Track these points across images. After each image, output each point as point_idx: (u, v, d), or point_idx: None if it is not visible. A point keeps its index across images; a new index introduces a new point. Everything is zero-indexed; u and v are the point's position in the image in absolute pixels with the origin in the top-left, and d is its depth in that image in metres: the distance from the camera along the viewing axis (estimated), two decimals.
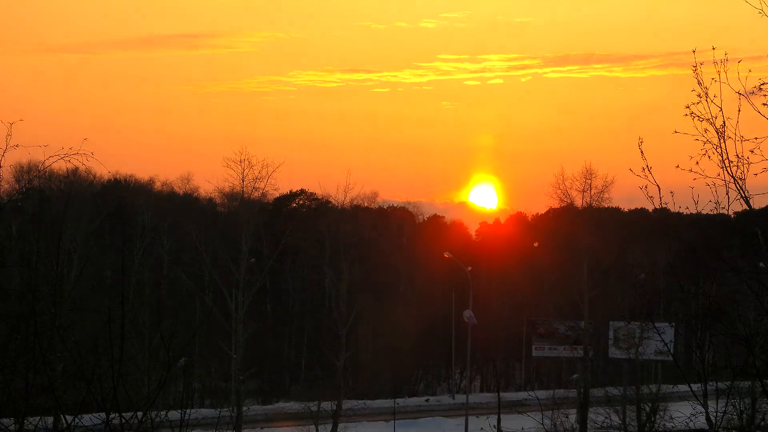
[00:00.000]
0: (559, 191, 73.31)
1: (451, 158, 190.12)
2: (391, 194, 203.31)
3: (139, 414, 11.83)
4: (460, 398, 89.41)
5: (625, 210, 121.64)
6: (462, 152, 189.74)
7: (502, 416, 60.95)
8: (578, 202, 73.09)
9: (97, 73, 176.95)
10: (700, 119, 13.08)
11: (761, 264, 14.16)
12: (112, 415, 11.67)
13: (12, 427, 12.53)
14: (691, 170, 13.11)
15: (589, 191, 72.46)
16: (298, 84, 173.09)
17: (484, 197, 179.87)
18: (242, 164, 66.00)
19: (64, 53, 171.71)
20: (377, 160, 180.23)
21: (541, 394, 71.48)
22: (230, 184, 72.42)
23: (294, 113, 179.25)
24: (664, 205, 13.47)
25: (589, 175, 72.65)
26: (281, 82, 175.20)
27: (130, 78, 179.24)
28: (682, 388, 15.18)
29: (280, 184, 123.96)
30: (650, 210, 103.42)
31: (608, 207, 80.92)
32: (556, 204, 77.90)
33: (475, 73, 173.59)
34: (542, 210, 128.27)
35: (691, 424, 19.47)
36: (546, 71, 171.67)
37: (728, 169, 13.05)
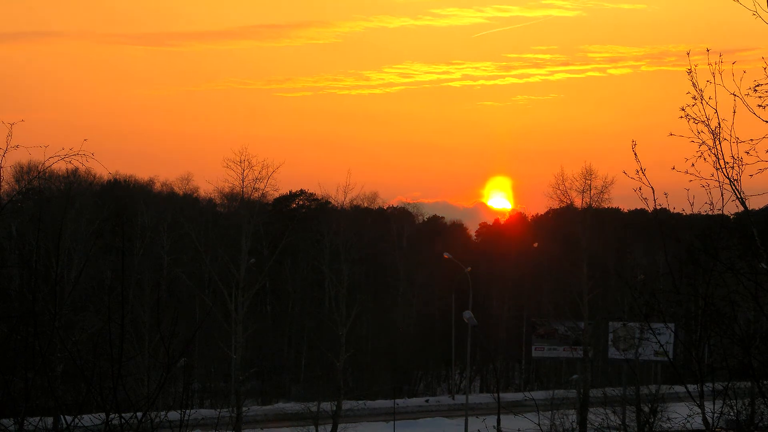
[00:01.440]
0: (558, 192, 73.39)
1: (470, 159, 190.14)
2: (410, 195, 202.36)
3: (139, 414, 11.88)
4: (460, 399, 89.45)
5: (625, 210, 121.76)
6: (480, 153, 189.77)
7: (501, 417, 60.97)
8: (578, 203, 73.17)
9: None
10: (695, 121, 13.14)
11: (762, 265, 14.21)
12: (112, 416, 11.73)
13: (12, 427, 12.58)
14: (687, 172, 13.17)
15: (588, 192, 72.53)
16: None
17: (501, 198, 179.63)
18: (242, 164, 66.09)
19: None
20: (391, 160, 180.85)
21: (541, 394, 71.63)
22: (230, 185, 72.55)
23: (309, 112, 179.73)
24: (658, 207, 13.53)
25: (588, 175, 72.73)
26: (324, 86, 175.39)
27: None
28: (679, 389, 15.25)
29: (280, 185, 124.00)
30: (649, 211, 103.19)
31: (608, 207, 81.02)
32: (556, 204, 77.97)
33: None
34: (542, 210, 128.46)
35: (687, 425, 19.52)
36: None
37: (723, 170, 13.11)
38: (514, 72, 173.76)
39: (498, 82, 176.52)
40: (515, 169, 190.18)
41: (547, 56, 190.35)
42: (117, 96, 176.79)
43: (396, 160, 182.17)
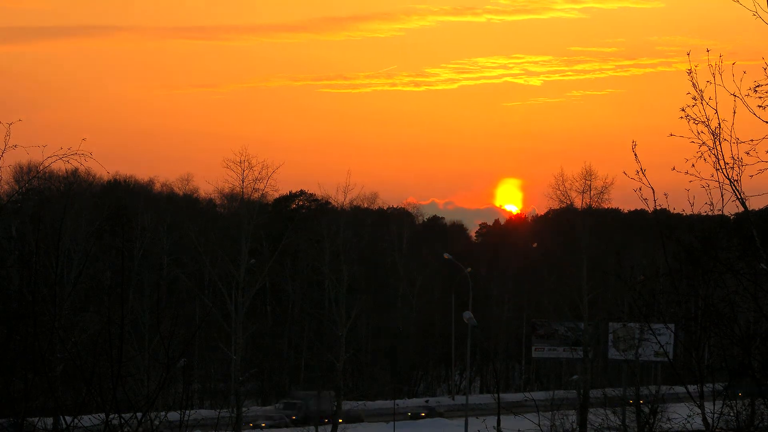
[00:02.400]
0: (558, 192, 73.40)
1: (483, 160, 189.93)
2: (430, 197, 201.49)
3: (139, 414, 11.88)
4: (460, 399, 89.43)
5: (625, 211, 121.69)
6: (493, 154, 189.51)
7: (502, 417, 60.89)
8: (578, 203, 73.17)
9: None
10: (696, 122, 13.12)
11: (762, 265, 14.20)
12: (112, 416, 11.72)
13: (12, 428, 12.58)
14: (687, 172, 13.16)
15: (588, 192, 72.53)
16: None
17: (512, 199, 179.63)
18: (242, 165, 66.10)
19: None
20: (404, 162, 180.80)
21: (541, 395, 71.55)
22: (230, 185, 72.55)
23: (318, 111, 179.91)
24: (659, 207, 13.52)
25: (588, 176, 72.74)
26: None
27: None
28: (679, 389, 15.24)
29: (281, 185, 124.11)
30: (650, 211, 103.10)
31: (608, 208, 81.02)
32: (556, 205, 78.00)
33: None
34: (542, 211, 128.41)
35: (687, 426, 19.52)
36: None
37: (723, 170, 13.09)
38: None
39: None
40: (526, 169, 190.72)
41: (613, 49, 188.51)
42: (165, 93, 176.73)
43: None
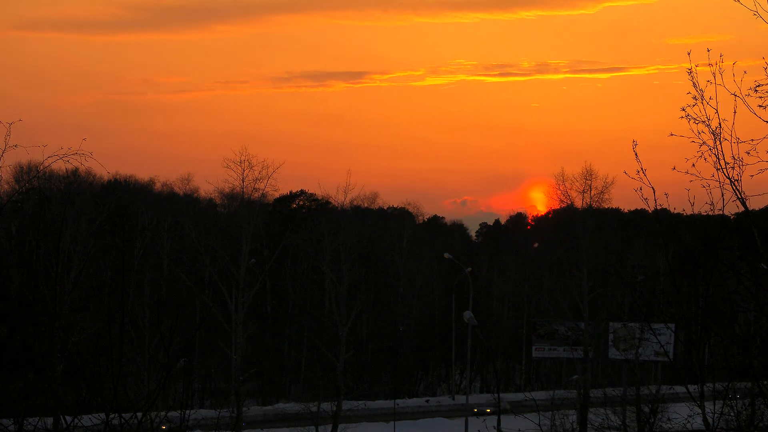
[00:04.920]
0: (559, 192, 73.40)
1: (505, 161, 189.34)
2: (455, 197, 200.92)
3: (139, 414, 11.87)
4: (460, 399, 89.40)
5: (625, 210, 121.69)
6: (515, 154, 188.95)
7: (502, 417, 60.94)
8: (578, 203, 73.16)
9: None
10: (696, 121, 13.12)
11: (762, 265, 14.20)
12: (112, 416, 11.72)
13: (12, 427, 12.57)
14: (687, 172, 13.15)
15: (589, 192, 72.53)
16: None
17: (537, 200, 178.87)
18: (242, 165, 66.10)
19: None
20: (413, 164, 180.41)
21: (541, 395, 71.57)
22: (230, 185, 72.57)
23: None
24: (659, 207, 13.52)
25: (589, 176, 72.74)
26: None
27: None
28: (680, 389, 15.21)
29: (281, 185, 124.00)
30: (650, 211, 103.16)
31: (608, 207, 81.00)
32: (556, 205, 78.01)
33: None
34: (542, 210, 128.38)
35: (688, 426, 19.50)
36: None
37: (724, 170, 13.09)
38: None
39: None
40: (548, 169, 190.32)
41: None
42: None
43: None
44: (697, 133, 13.11)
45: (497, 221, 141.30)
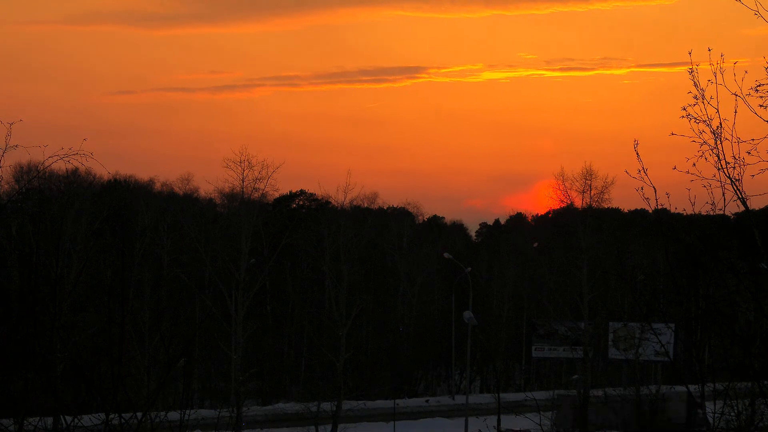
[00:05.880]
0: (559, 192, 73.40)
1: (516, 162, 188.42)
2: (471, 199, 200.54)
3: (139, 414, 11.86)
4: (460, 399, 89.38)
5: (625, 210, 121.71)
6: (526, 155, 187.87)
7: (502, 417, 60.99)
8: (578, 203, 73.16)
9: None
10: (697, 121, 13.11)
11: (763, 265, 14.20)
12: (112, 416, 11.71)
13: (12, 428, 12.56)
14: (688, 172, 13.15)
15: (589, 192, 72.54)
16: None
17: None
18: (242, 165, 66.11)
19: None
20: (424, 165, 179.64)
21: (542, 394, 71.58)
22: (230, 185, 72.55)
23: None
24: (660, 207, 13.51)
25: (588, 175, 72.74)
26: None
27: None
28: (680, 389, 15.22)
29: (281, 185, 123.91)
30: (650, 211, 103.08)
31: (608, 207, 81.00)
32: (556, 205, 78.04)
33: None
34: (543, 210, 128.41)
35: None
36: None
37: (725, 170, 13.09)
38: None
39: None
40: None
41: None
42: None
43: None
44: (698, 133, 13.11)
45: (497, 221, 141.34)
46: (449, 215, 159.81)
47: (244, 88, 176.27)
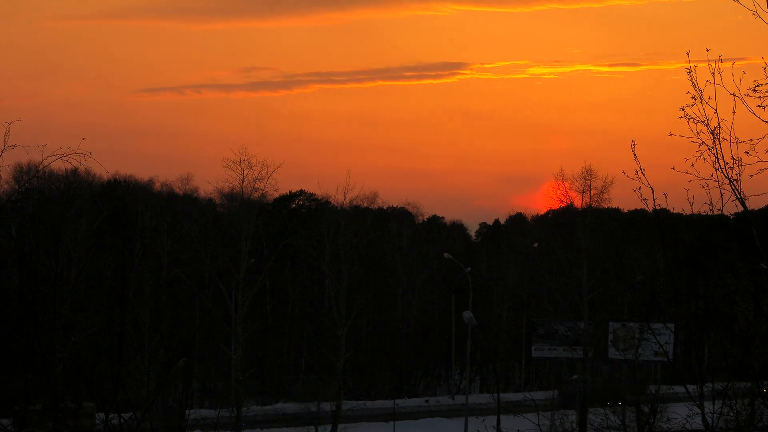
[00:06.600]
0: (558, 192, 73.45)
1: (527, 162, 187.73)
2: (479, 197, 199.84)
3: (139, 414, 11.89)
4: (460, 399, 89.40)
5: (625, 210, 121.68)
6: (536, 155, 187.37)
7: (501, 417, 60.97)
8: (578, 203, 73.20)
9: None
10: (695, 121, 13.12)
11: (762, 265, 14.21)
12: (112, 416, 11.74)
13: (12, 427, 12.59)
14: (686, 172, 13.16)
15: (588, 192, 72.57)
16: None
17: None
18: (242, 165, 66.13)
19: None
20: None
21: (541, 394, 71.59)
22: (230, 185, 72.56)
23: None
24: (658, 207, 13.53)
25: (588, 176, 72.77)
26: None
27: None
28: (679, 389, 15.19)
29: (281, 185, 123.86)
30: (649, 211, 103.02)
31: (608, 207, 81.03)
32: (555, 205, 78.06)
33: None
34: (542, 210, 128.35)
35: (687, 426, 19.53)
36: None
37: (723, 170, 13.10)
38: None
39: None
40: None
41: None
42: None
43: None
44: (697, 133, 13.13)
45: (497, 221, 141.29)
46: (458, 216, 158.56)
47: (283, 85, 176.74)
